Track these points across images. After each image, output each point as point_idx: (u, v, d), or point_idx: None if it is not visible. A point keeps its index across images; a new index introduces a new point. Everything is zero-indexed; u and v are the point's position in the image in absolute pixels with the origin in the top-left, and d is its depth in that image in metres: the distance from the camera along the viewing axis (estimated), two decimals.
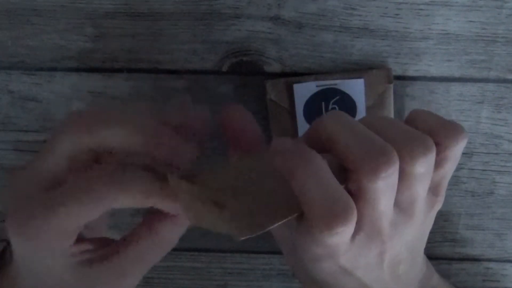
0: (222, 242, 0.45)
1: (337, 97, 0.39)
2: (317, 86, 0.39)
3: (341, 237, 0.26)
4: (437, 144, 0.27)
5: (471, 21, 0.37)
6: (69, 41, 0.39)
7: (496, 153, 0.41)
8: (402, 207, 0.28)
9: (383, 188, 0.26)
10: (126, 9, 0.38)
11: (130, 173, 0.29)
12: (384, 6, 0.37)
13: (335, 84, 0.39)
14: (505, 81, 0.39)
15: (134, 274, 0.32)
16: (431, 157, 0.27)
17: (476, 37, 0.38)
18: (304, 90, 0.39)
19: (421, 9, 0.37)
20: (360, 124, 0.27)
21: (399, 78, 0.39)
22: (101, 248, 0.32)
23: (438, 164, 0.28)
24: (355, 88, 0.39)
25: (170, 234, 0.32)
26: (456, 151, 0.28)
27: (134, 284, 0.33)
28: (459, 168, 0.41)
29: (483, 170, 0.41)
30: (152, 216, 0.32)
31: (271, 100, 0.40)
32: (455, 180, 0.42)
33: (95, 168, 0.29)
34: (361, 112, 0.40)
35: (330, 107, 0.40)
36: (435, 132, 0.27)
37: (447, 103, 0.40)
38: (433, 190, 0.29)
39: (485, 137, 0.40)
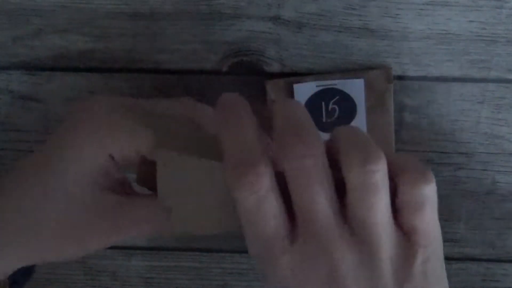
0: (222, 242, 0.45)
1: (337, 97, 0.39)
2: (317, 86, 0.39)
3: (257, 196, 0.23)
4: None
5: (471, 21, 0.37)
6: (69, 41, 0.39)
7: (496, 153, 0.41)
8: (354, 226, 0.24)
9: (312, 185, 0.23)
10: (126, 9, 0.38)
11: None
12: (384, 6, 0.37)
13: (335, 84, 0.39)
14: (505, 81, 0.39)
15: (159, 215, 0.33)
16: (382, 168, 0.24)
17: (476, 37, 0.38)
18: (304, 90, 0.39)
19: (421, 9, 0.37)
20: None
21: (399, 78, 0.39)
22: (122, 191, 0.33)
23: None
24: (355, 88, 0.39)
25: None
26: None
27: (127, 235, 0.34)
28: (459, 168, 0.41)
29: (483, 170, 0.41)
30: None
31: (271, 100, 0.40)
32: (455, 180, 0.42)
33: None
34: (361, 112, 0.40)
35: (330, 107, 0.40)
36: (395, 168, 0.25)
37: (447, 103, 0.40)
38: (409, 231, 0.24)
39: (485, 137, 0.40)
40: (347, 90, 0.39)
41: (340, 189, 0.24)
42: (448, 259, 0.44)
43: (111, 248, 0.46)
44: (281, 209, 0.24)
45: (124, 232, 0.33)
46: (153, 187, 0.31)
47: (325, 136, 0.40)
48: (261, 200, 0.24)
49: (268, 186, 0.23)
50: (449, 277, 0.45)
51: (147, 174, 0.32)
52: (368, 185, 0.23)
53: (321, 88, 0.39)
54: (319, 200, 0.24)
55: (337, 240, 0.24)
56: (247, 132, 0.25)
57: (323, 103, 0.40)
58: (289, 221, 0.24)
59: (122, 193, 0.33)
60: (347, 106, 0.40)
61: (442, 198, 0.36)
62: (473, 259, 0.44)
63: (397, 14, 0.37)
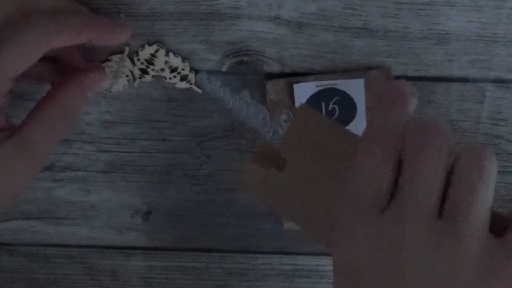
0: (222, 242, 0.45)
1: (337, 97, 0.39)
2: (317, 86, 0.39)
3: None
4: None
5: (471, 21, 0.37)
6: None
7: (496, 153, 0.41)
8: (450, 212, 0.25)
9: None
10: (126, 9, 0.38)
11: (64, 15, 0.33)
12: (384, 6, 0.37)
13: (335, 84, 0.39)
14: (505, 81, 0.39)
15: (45, 144, 0.35)
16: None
17: (476, 37, 0.38)
18: (304, 90, 0.39)
19: (421, 9, 0.37)
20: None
21: (399, 78, 0.39)
22: (8, 128, 0.34)
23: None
24: (355, 88, 0.39)
25: (73, 103, 0.36)
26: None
27: (46, 155, 0.35)
28: None
29: None
30: (54, 88, 0.36)
31: (271, 100, 0.40)
32: None
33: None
34: (361, 112, 0.40)
35: (330, 107, 0.40)
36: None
37: (447, 103, 0.40)
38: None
39: (485, 137, 0.40)
40: (347, 90, 0.39)
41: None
42: None
43: (111, 248, 0.46)
44: (391, 175, 0.26)
45: None
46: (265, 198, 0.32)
47: None
48: (381, 158, 0.26)
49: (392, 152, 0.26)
50: None
51: (262, 183, 0.33)
52: (478, 175, 0.25)
53: (321, 88, 0.39)
54: (429, 172, 0.25)
55: (426, 217, 0.25)
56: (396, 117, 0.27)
57: (323, 103, 0.40)
58: (390, 192, 0.26)
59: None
60: (347, 106, 0.40)
61: None
62: None
63: (397, 14, 0.37)
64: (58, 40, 0.33)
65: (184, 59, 0.39)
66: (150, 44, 0.39)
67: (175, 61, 0.39)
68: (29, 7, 0.33)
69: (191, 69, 0.39)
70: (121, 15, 0.38)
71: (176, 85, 0.40)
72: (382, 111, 0.28)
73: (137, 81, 0.40)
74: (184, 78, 0.39)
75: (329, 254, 0.44)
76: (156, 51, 0.38)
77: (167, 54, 0.39)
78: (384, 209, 0.26)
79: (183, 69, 0.39)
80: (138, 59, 0.39)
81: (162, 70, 0.39)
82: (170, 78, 0.39)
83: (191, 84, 0.39)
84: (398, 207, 0.26)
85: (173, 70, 0.39)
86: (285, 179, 0.31)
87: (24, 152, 0.34)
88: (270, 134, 0.38)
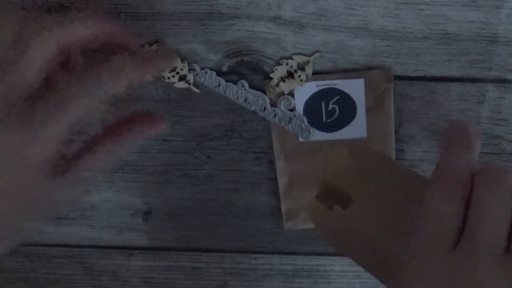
0: (222, 242, 0.45)
1: (337, 97, 0.39)
2: (317, 86, 0.39)
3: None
4: None
5: (471, 21, 0.37)
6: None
7: (496, 153, 0.41)
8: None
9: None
10: (126, 9, 0.38)
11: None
12: (384, 6, 0.37)
13: (335, 84, 0.39)
14: (505, 81, 0.39)
15: (85, 183, 0.36)
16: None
17: (476, 37, 0.38)
18: (304, 90, 0.39)
19: (421, 9, 0.37)
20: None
21: (399, 78, 0.39)
22: (62, 161, 0.34)
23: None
24: (355, 88, 0.39)
25: (127, 143, 0.36)
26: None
27: (83, 188, 0.38)
28: None
29: None
30: (109, 131, 0.36)
31: (271, 100, 0.40)
32: None
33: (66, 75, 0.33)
34: (361, 112, 0.40)
35: (330, 107, 0.40)
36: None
37: (447, 103, 0.40)
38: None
39: (485, 137, 0.40)
40: (347, 90, 0.39)
41: None
42: None
43: (111, 248, 0.46)
44: (461, 214, 0.28)
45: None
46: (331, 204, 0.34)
47: (326, 136, 0.41)
48: (451, 200, 0.28)
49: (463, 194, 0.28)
50: None
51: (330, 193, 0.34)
52: None
53: (321, 88, 0.39)
54: (497, 211, 0.27)
55: (495, 253, 0.27)
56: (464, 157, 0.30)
57: (323, 103, 0.40)
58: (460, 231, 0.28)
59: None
60: (347, 106, 0.40)
61: None
62: None
63: (397, 14, 0.37)
64: (65, 35, 0.33)
65: (183, 59, 0.39)
66: (150, 44, 0.39)
67: (178, 64, 0.39)
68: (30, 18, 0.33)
69: (190, 69, 0.39)
70: (121, 15, 0.38)
71: (175, 85, 0.40)
72: (452, 155, 0.30)
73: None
74: (182, 78, 0.39)
75: (329, 254, 0.45)
76: (156, 51, 0.38)
77: None
78: (453, 248, 0.28)
79: (181, 69, 0.39)
80: None
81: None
82: (168, 78, 0.39)
83: (189, 84, 0.39)
84: (467, 245, 0.27)
85: (172, 69, 0.39)
86: (350, 216, 0.32)
87: (78, 184, 0.35)
88: (272, 119, 0.38)
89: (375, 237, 0.31)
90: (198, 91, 0.40)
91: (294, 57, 0.38)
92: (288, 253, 0.45)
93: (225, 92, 0.39)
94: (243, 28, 0.38)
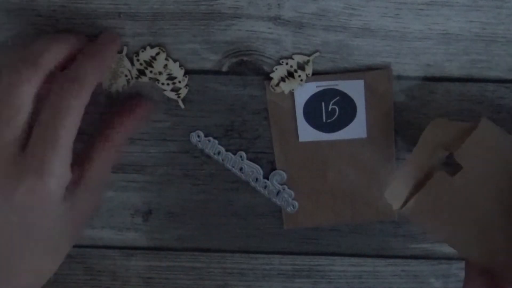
0: (222, 242, 0.45)
1: (337, 98, 0.39)
2: (317, 86, 0.39)
3: None
4: None
5: (471, 21, 0.37)
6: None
7: None
8: None
9: None
10: (126, 9, 0.38)
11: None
12: (384, 6, 0.37)
13: (335, 85, 0.39)
14: (505, 81, 0.39)
15: (101, 186, 0.37)
16: None
17: (476, 37, 0.38)
18: (304, 91, 0.39)
19: (421, 9, 0.37)
20: None
21: (399, 78, 0.39)
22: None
23: None
24: (355, 88, 0.39)
25: (124, 139, 0.38)
26: None
27: (102, 191, 0.39)
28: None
29: None
30: (105, 129, 0.37)
31: (271, 100, 0.40)
32: None
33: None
34: (361, 113, 0.40)
35: (330, 107, 0.40)
36: None
37: (447, 103, 0.40)
38: None
39: None
40: (347, 90, 0.39)
41: None
42: (448, 258, 0.45)
43: (111, 248, 0.46)
44: None
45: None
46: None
47: (326, 136, 0.41)
48: None
49: None
50: (448, 276, 0.45)
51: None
52: None
53: (321, 88, 0.39)
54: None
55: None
56: None
57: (323, 103, 0.40)
58: None
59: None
60: (347, 107, 0.40)
61: None
62: None
63: (397, 14, 0.37)
64: (50, 54, 0.34)
65: (186, 74, 0.39)
66: (152, 47, 0.39)
67: (176, 70, 0.39)
68: (46, 70, 0.34)
69: (187, 85, 0.40)
70: (121, 15, 0.38)
71: (165, 92, 0.40)
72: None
73: (133, 81, 0.40)
74: (175, 90, 0.40)
75: (329, 254, 0.45)
76: (157, 54, 0.38)
77: (167, 59, 0.39)
78: None
79: (180, 82, 0.39)
80: (138, 60, 0.39)
81: (160, 73, 0.39)
82: (162, 84, 0.39)
83: (179, 97, 0.40)
84: None
85: (171, 78, 0.39)
86: (456, 183, 0.33)
87: (89, 197, 0.36)
88: (262, 190, 0.42)
89: (478, 207, 0.31)
90: (183, 106, 0.40)
91: (294, 56, 0.38)
92: (288, 253, 0.45)
93: (223, 161, 0.41)
94: (243, 28, 0.38)
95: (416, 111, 0.40)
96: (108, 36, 0.37)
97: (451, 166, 0.34)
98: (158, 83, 0.39)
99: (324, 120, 0.40)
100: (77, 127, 0.33)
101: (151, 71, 0.39)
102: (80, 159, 0.36)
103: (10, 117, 0.32)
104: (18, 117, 0.32)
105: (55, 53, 0.34)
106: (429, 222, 0.35)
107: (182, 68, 0.39)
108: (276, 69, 0.39)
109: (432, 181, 0.34)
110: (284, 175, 0.42)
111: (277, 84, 0.39)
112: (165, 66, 0.39)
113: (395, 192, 0.36)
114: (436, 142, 0.34)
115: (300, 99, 0.39)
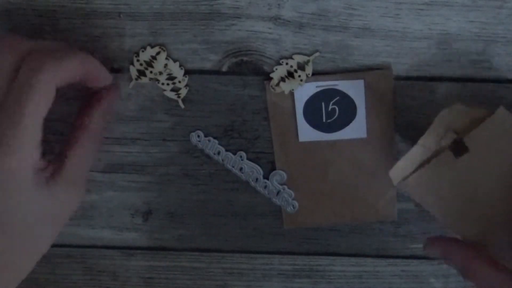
0: (222, 242, 0.45)
1: (337, 98, 0.39)
2: (317, 86, 0.39)
3: None
4: None
5: (471, 21, 0.37)
6: (69, 41, 0.39)
7: None
8: None
9: None
10: (126, 9, 0.38)
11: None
12: (384, 6, 0.37)
13: (335, 85, 0.39)
14: (505, 81, 0.39)
15: (86, 172, 0.36)
16: None
17: (476, 37, 0.38)
18: (304, 91, 0.39)
19: (421, 9, 0.37)
20: None
21: (399, 78, 0.39)
22: (46, 166, 0.34)
23: None
24: (355, 88, 0.39)
25: (101, 127, 0.37)
26: None
27: (86, 180, 0.36)
28: None
29: None
30: (81, 116, 0.36)
31: (271, 100, 0.40)
32: None
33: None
34: (361, 113, 0.40)
35: (330, 107, 0.40)
36: None
37: (447, 103, 0.39)
38: None
39: None
40: (347, 90, 0.39)
41: None
42: None
43: (111, 248, 0.46)
44: None
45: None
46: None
47: (326, 136, 0.41)
48: None
49: None
50: (448, 276, 0.45)
51: None
52: None
53: (321, 88, 0.39)
54: None
55: None
56: None
57: (323, 103, 0.40)
58: None
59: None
60: (347, 107, 0.40)
61: None
62: None
63: (397, 14, 0.37)
64: (62, 80, 0.33)
65: (185, 74, 0.39)
66: (152, 46, 0.39)
67: (176, 70, 0.39)
68: (25, 50, 0.32)
69: (187, 85, 0.40)
70: (121, 15, 0.38)
71: (165, 92, 0.40)
72: None
73: (133, 82, 0.40)
74: (175, 90, 0.40)
75: (329, 254, 0.45)
76: (158, 53, 0.38)
77: (167, 58, 0.39)
78: None
79: (179, 82, 0.39)
80: (138, 60, 0.39)
81: (160, 73, 0.39)
82: (162, 84, 0.39)
83: (179, 97, 0.40)
84: None
85: (171, 78, 0.39)
86: (460, 164, 0.34)
87: (71, 188, 0.35)
88: (262, 190, 0.42)
89: (495, 192, 0.33)
90: (183, 106, 0.40)
91: (294, 56, 0.38)
92: (288, 253, 0.45)
93: (223, 161, 0.41)
94: (243, 28, 0.38)
95: (416, 111, 0.40)
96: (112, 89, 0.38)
97: (459, 148, 0.35)
98: (158, 83, 0.39)
99: (324, 120, 0.40)
100: (47, 106, 0.31)
101: (151, 71, 0.39)
102: (60, 152, 0.35)
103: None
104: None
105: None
106: (426, 196, 0.36)
107: (182, 68, 0.39)
108: (276, 69, 0.39)
109: (437, 159, 0.35)
110: (284, 175, 0.42)
111: (277, 84, 0.39)
112: (165, 66, 0.39)
113: (399, 170, 0.36)
114: (448, 127, 0.35)
115: (300, 99, 0.39)
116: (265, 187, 0.42)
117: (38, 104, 0.31)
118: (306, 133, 0.40)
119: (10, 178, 0.30)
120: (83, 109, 0.37)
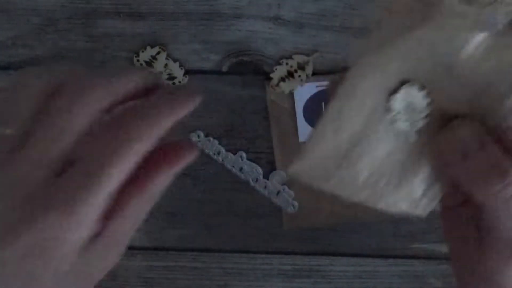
0: (222, 242, 0.45)
1: None
2: (317, 86, 0.39)
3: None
4: None
5: None
6: (69, 41, 0.39)
7: None
8: None
9: None
10: (126, 9, 0.38)
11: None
12: None
13: None
14: None
15: (131, 232, 0.31)
16: None
17: None
18: (304, 91, 0.39)
19: None
20: None
21: None
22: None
23: None
24: None
25: (160, 188, 0.31)
26: None
27: (127, 242, 0.31)
28: None
29: None
30: (137, 175, 0.31)
31: (271, 100, 0.40)
32: None
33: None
34: None
35: None
36: None
37: None
38: None
39: None
40: None
41: None
42: (448, 259, 0.44)
43: None
44: None
45: None
46: None
47: None
48: None
49: None
50: (448, 276, 0.45)
51: None
52: None
53: (321, 89, 0.39)
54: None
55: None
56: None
57: (323, 103, 0.40)
58: None
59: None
60: None
61: None
62: None
63: None
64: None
65: (186, 74, 0.39)
66: (152, 47, 0.39)
67: (176, 70, 0.39)
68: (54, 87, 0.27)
69: (191, 70, 0.39)
70: (121, 15, 0.38)
71: None
72: None
73: None
74: (171, 78, 0.39)
75: (329, 254, 0.45)
76: (158, 53, 0.38)
77: (167, 58, 0.39)
78: None
79: (180, 82, 0.39)
80: (138, 60, 0.39)
81: (160, 73, 0.39)
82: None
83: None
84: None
85: (171, 78, 0.39)
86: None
87: (114, 249, 0.30)
88: (262, 190, 0.41)
89: None
90: None
91: (294, 57, 0.38)
92: (288, 253, 0.45)
93: (223, 161, 0.41)
94: (243, 28, 0.38)
95: None
96: (188, 93, 0.30)
97: None
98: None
99: None
100: (126, 174, 0.25)
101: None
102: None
103: (60, 132, 0.26)
104: (66, 137, 0.25)
105: (129, 83, 0.26)
106: None
107: (182, 68, 0.39)
108: (276, 69, 0.39)
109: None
110: (284, 175, 0.42)
111: (277, 84, 0.39)
112: (165, 66, 0.39)
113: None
114: None
115: (300, 99, 0.39)
116: (265, 187, 0.42)
117: (118, 172, 0.25)
118: (306, 133, 0.40)
119: (58, 246, 0.25)
120: (144, 164, 0.29)
